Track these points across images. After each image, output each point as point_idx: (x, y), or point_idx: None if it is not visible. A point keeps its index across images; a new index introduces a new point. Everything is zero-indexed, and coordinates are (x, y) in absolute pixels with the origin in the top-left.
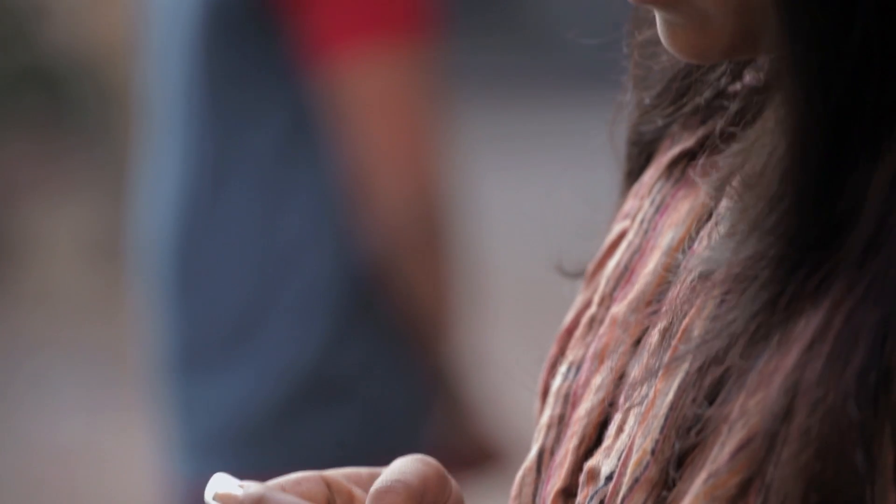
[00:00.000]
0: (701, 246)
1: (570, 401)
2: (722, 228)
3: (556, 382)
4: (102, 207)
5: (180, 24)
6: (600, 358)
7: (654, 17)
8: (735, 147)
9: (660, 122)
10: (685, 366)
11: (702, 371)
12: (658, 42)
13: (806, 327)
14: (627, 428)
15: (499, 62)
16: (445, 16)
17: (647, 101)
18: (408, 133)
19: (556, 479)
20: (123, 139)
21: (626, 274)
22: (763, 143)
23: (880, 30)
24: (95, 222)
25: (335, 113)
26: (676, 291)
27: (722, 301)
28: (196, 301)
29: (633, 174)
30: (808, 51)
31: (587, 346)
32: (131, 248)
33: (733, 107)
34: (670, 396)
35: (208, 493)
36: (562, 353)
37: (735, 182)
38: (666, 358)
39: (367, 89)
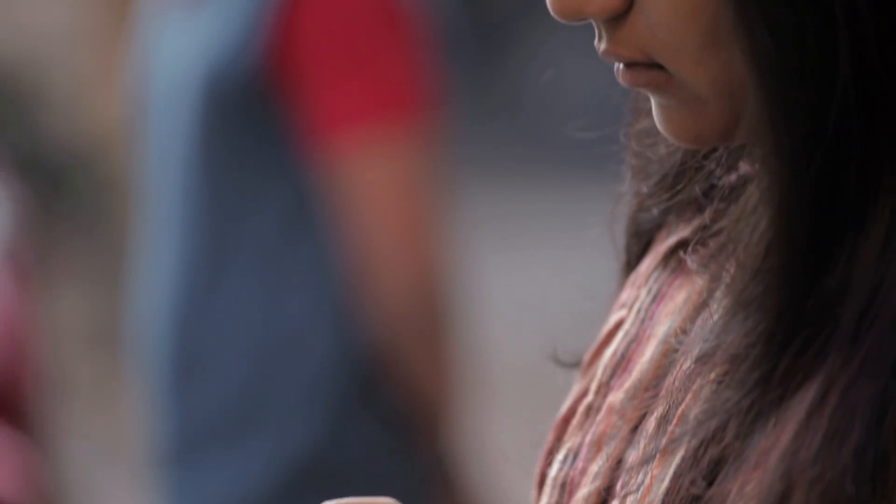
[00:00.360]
0: (696, 331)
1: (567, 489)
2: (717, 312)
3: (553, 470)
4: (100, 295)
5: (180, 108)
6: (597, 446)
7: (650, 106)
8: (722, 223)
9: (656, 212)
10: (682, 450)
11: (699, 452)
12: (656, 132)
13: (801, 404)
14: None
15: (498, 148)
16: (446, 101)
17: (645, 189)
18: (408, 219)
19: None
20: (121, 226)
21: (622, 363)
22: (748, 219)
23: (858, 102)
24: (93, 310)
25: (335, 198)
26: (673, 377)
27: (718, 382)
28: (195, 388)
29: (631, 264)
30: (788, 124)
31: (584, 434)
32: (129, 336)
33: (724, 189)
34: (666, 483)
35: None
36: (558, 441)
37: (723, 259)
38: (662, 443)
39: (367, 175)
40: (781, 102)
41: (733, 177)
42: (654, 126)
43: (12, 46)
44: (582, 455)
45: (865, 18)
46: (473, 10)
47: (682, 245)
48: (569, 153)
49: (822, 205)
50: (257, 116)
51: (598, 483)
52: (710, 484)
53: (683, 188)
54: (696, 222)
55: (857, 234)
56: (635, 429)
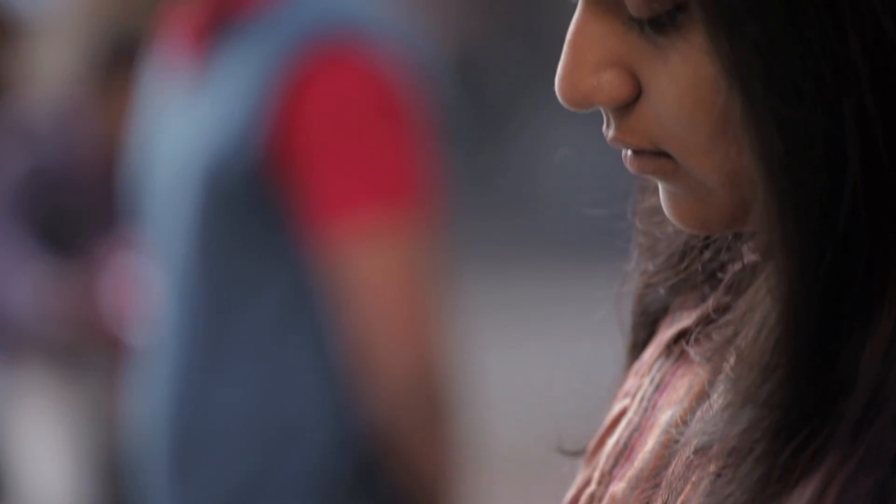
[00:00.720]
0: (697, 423)
1: None
2: (717, 402)
3: None
4: (100, 388)
5: (180, 195)
6: None
7: (658, 183)
8: (728, 317)
9: (662, 291)
10: None
11: None
12: (663, 210)
13: (800, 499)
14: None
15: (503, 233)
16: (446, 188)
17: (652, 268)
18: (408, 307)
19: None
20: None
21: (625, 452)
22: (755, 314)
23: (868, 200)
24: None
25: (335, 287)
26: (673, 467)
27: (718, 476)
28: (194, 478)
29: (637, 348)
30: (798, 221)
31: None
32: (127, 430)
33: (728, 279)
34: None
35: None
36: None
37: (728, 353)
38: None
39: (367, 264)
40: (790, 199)
41: (738, 264)
42: (661, 203)
43: None
44: None
45: (874, 117)
46: (475, 94)
47: (684, 334)
48: (573, 236)
49: (829, 302)
50: (257, 206)
51: None
52: None
53: (690, 266)
54: (698, 311)
55: (864, 331)
56: None
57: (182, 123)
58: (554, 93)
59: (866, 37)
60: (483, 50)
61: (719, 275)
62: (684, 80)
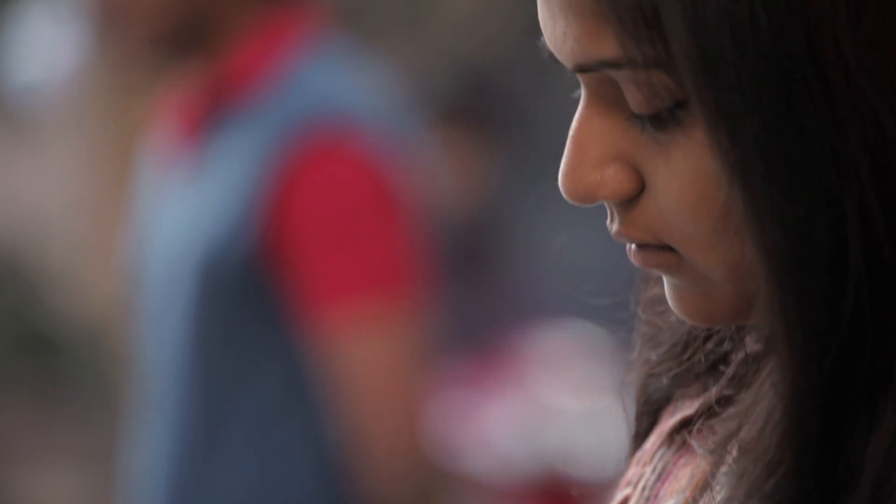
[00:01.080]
0: None
1: None
2: (720, 494)
3: None
4: (95, 474)
5: (176, 283)
6: None
7: (660, 275)
8: (731, 410)
9: (665, 380)
10: None
11: None
12: (666, 300)
13: None
14: None
15: (498, 318)
16: (439, 276)
17: (655, 357)
18: (400, 394)
19: None
20: (118, 405)
21: None
22: (759, 408)
23: (871, 295)
24: (88, 489)
25: (328, 373)
26: None
27: None
28: None
29: (640, 437)
30: (801, 317)
31: None
32: None
33: (730, 371)
34: None
35: None
36: None
37: (731, 446)
38: None
39: (359, 351)
40: (793, 294)
41: (740, 354)
42: (664, 293)
43: (11, 221)
44: None
45: (876, 213)
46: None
47: (686, 423)
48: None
49: (834, 397)
50: (252, 294)
51: None
52: None
53: (692, 357)
54: (700, 400)
55: (868, 426)
56: None
57: (178, 211)
58: (556, 180)
59: (866, 133)
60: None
61: (721, 367)
62: (686, 175)
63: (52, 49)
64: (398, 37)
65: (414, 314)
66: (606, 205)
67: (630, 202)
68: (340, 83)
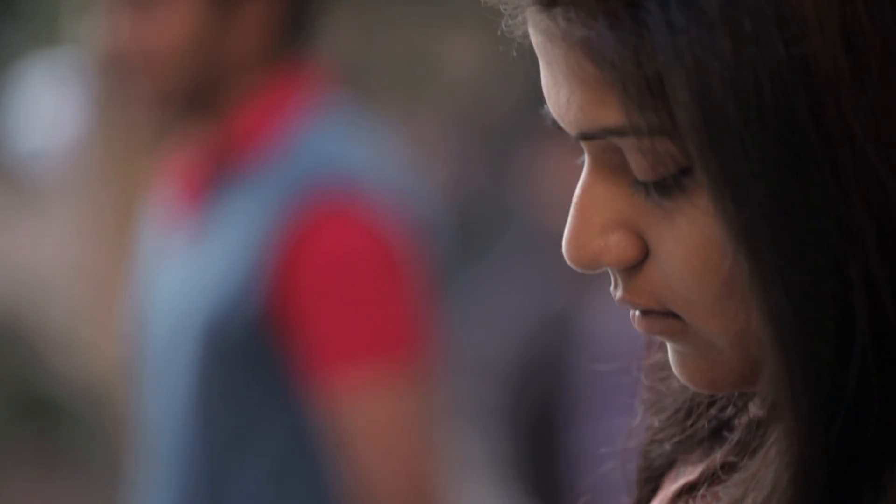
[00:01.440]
0: None
1: None
2: None
3: None
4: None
5: (179, 347)
6: None
7: (664, 341)
8: (736, 477)
9: (668, 447)
10: None
11: None
12: (669, 366)
13: None
14: None
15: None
16: (442, 338)
17: (657, 423)
18: (405, 457)
19: None
20: (121, 467)
21: None
22: (765, 476)
23: (878, 362)
24: None
25: (332, 436)
26: None
27: None
28: None
29: (643, 503)
30: (807, 385)
31: None
32: None
33: (734, 437)
34: None
35: None
36: None
37: None
38: None
39: (364, 414)
40: (799, 362)
41: (744, 419)
42: (667, 359)
43: (13, 285)
44: None
45: (881, 280)
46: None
47: (689, 489)
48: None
49: (840, 466)
50: (257, 357)
51: None
52: None
53: (696, 423)
54: (703, 465)
55: (874, 495)
56: None
57: (180, 274)
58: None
59: (871, 200)
60: (484, 197)
61: (724, 432)
62: (691, 242)
63: (53, 113)
64: (401, 96)
65: (420, 377)
66: (610, 271)
67: (634, 269)
68: (345, 145)
